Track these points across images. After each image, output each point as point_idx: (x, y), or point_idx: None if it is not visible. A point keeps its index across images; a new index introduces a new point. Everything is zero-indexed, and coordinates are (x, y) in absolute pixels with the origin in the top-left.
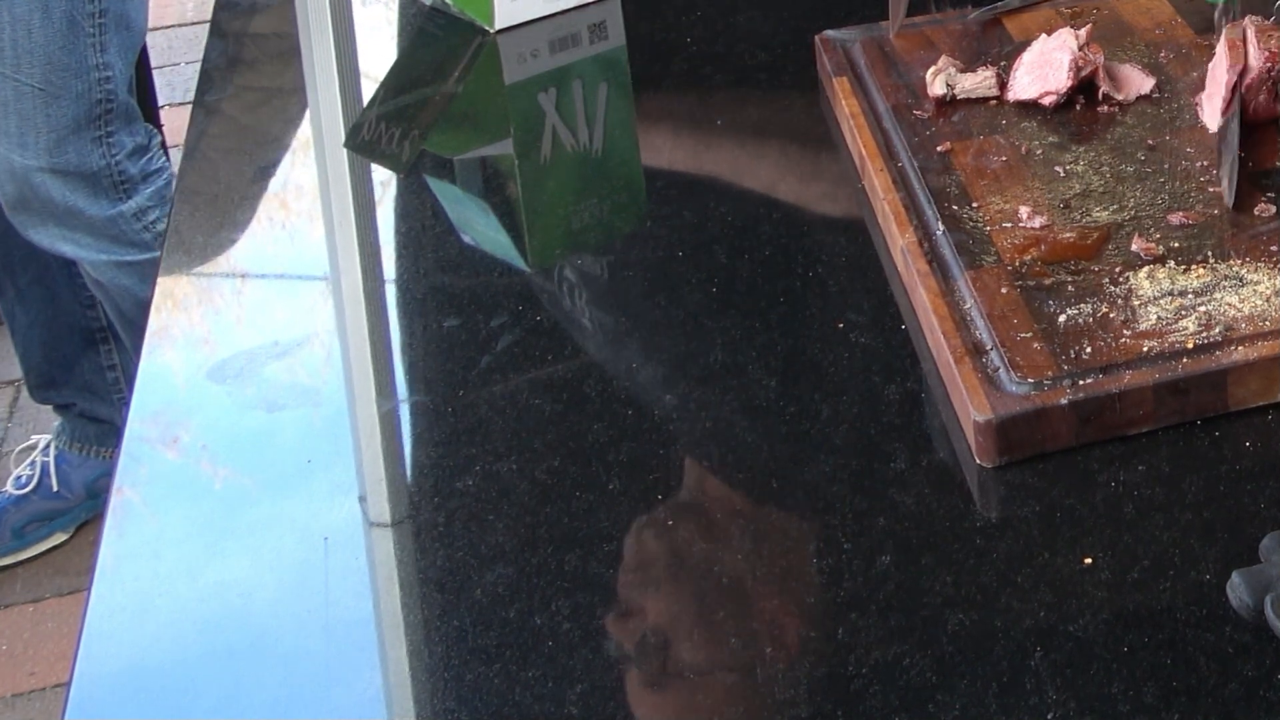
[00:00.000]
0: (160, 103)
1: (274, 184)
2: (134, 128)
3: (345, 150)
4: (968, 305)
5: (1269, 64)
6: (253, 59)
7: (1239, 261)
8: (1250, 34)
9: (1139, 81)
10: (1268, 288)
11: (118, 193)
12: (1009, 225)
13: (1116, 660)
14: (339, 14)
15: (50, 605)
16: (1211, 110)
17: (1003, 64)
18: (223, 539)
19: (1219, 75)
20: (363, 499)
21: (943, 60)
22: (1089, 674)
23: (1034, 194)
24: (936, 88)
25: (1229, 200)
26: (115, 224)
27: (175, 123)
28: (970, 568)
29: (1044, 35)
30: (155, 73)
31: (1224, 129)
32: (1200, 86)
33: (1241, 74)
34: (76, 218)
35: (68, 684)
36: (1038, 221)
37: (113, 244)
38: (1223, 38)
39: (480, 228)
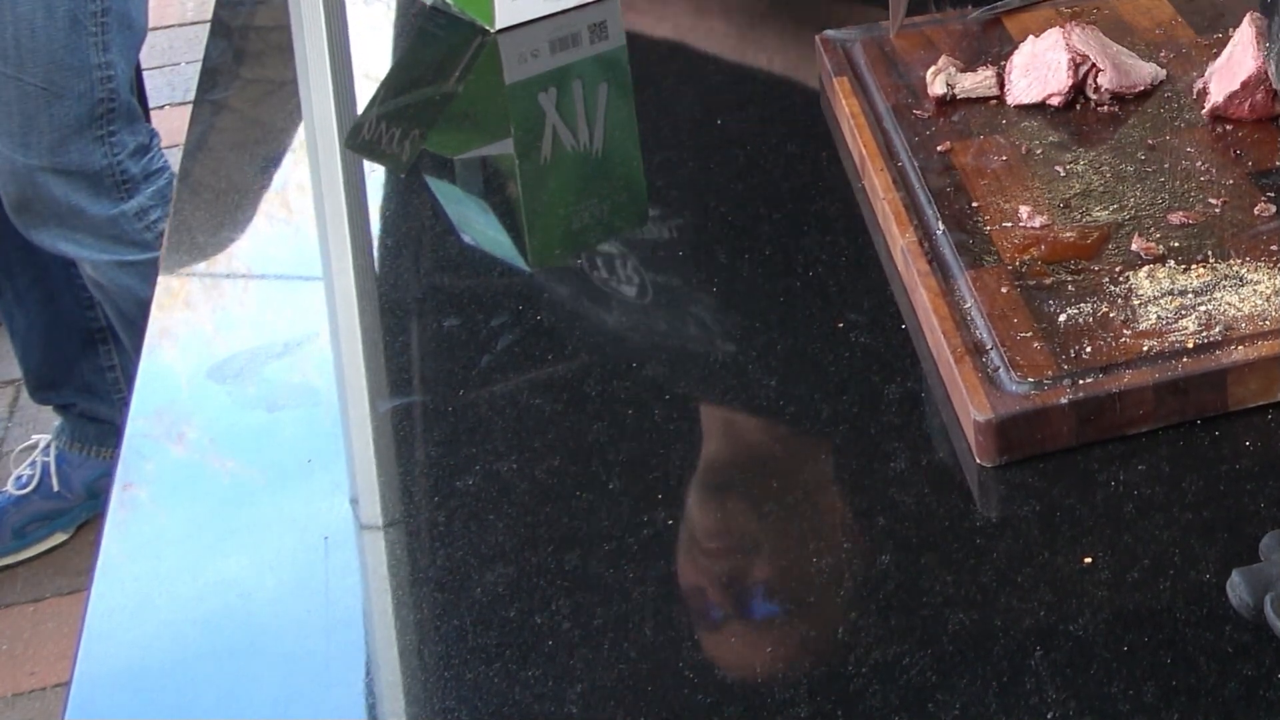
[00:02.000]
0: (160, 103)
1: (276, 182)
2: (136, 127)
3: (345, 149)
4: (968, 305)
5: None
6: (257, 52)
7: (1239, 261)
8: (1252, 32)
9: (1144, 70)
10: (1268, 287)
11: (120, 192)
12: (1009, 225)
13: (1116, 660)
14: (332, 12)
15: (50, 605)
16: (1222, 94)
17: (1002, 64)
18: (223, 538)
19: (1240, 61)
20: (362, 499)
21: (943, 60)
22: (1089, 673)
23: (1034, 194)
24: (936, 87)
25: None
26: (117, 224)
27: (175, 123)
28: (970, 568)
29: (1032, 38)
30: (156, 72)
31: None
32: (1199, 80)
33: None
34: (78, 218)
35: (68, 684)
36: (1038, 221)
37: (114, 244)
38: (1252, 23)
39: (480, 228)
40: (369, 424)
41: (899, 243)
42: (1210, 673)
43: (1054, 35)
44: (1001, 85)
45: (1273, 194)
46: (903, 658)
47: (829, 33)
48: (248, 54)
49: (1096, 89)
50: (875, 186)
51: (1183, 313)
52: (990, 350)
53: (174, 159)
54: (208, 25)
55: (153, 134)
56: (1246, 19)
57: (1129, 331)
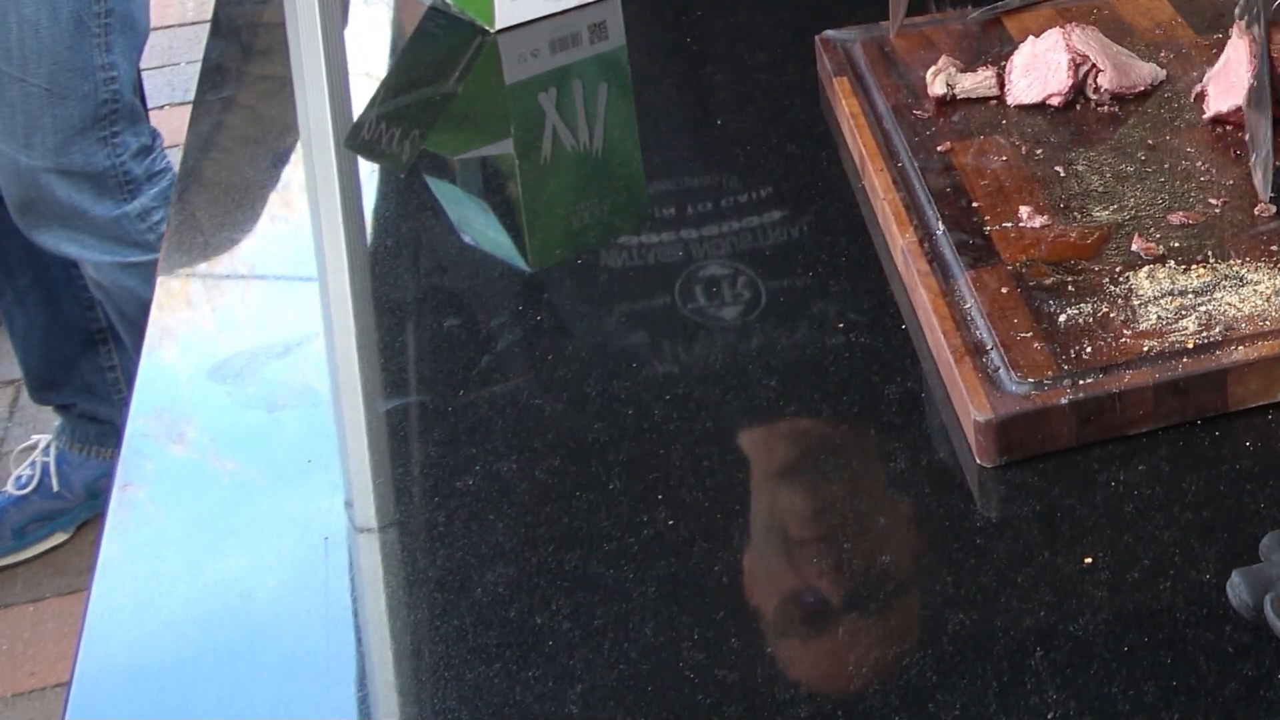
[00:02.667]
0: (160, 103)
1: (278, 181)
2: (138, 128)
3: (345, 149)
4: (968, 305)
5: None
6: (261, 49)
7: (1239, 261)
8: (1244, 43)
9: (1144, 70)
10: (1268, 287)
11: (122, 193)
12: (1009, 225)
13: (1116, 660)
14: (329, 12)
15: (50, 605)
16: (1220, 99)
17: (1002, 64)
18: (223, 538)
19: (1235, 68)
20: (361, 499)
21: (943, 60)
22: (1089, 674)
23: (1034, 194)
24: (936, 88)
25: (1264, 194)
26: (119, 225)
27: (175, 123)
28: (970, 568)
29: (1032, 38)
30: (156, 72)
31: (1255, 126)
32: (1199, 80)
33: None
34: (81, 218)
35: (68, 684)
36: (1038, 221)
37: (117, 245)
38: (1242, 34)
39: (480, 228)
40: (369, 424)
41: (899, 243)
42: (1210, 673)
43: (1054, 35)
44: (1001, 85)
45: (1273, 194)
46: (903, 658)
47: (829, 33)
48: (252, 51)
49: (1096, 89)
50: (875, 186)
51: (1183, 313)
52: (990, 350)
53: (174, 159)
54: (208, 25)
55: (155, 135)
56: (1234, 29)
57: (1129, 331)
